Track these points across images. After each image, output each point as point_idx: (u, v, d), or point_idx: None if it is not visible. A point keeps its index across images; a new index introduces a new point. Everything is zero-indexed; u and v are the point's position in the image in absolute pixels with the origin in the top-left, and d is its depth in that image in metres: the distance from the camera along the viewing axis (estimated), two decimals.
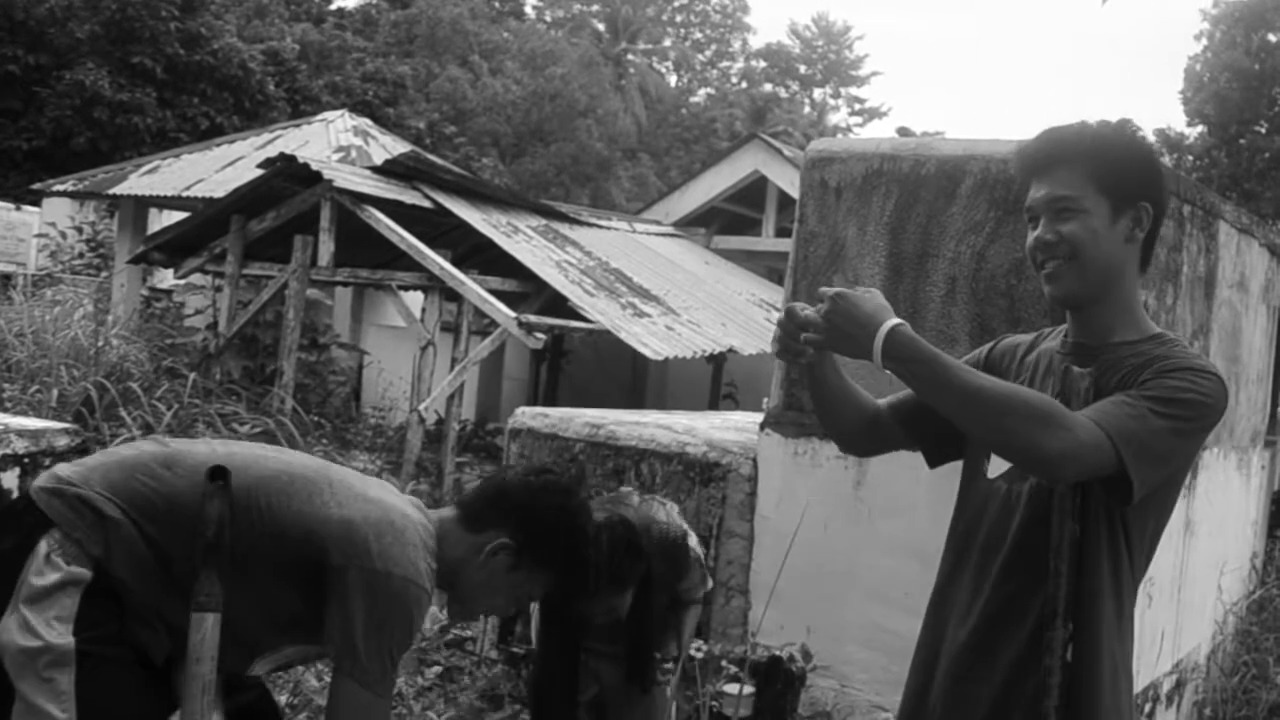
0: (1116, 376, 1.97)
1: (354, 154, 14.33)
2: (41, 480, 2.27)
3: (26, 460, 5.12)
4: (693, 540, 3.22)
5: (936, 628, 2.17)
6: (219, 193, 12.43)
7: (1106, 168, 1.99)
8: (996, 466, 2.09)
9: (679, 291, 12.07)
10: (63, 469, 2.32)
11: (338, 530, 2.25)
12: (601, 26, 45.45)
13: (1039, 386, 2.07)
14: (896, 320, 1.87)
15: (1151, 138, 28.72)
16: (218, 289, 11.60)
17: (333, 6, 36.30)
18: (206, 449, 2.38)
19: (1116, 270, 2.01)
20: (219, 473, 2.25)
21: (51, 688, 2.12)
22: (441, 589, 2.46)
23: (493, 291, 9.93)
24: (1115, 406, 1.90)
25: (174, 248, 11.49)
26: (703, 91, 51.04)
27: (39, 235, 18.05)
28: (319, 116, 17.24)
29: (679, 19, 52.06)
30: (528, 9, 45.22)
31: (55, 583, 2.16)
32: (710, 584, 3.40)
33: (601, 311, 10.03)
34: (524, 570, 2.39)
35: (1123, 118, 2.06)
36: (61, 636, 2.14)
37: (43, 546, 2.18)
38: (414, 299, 12.06)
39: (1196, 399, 1.91)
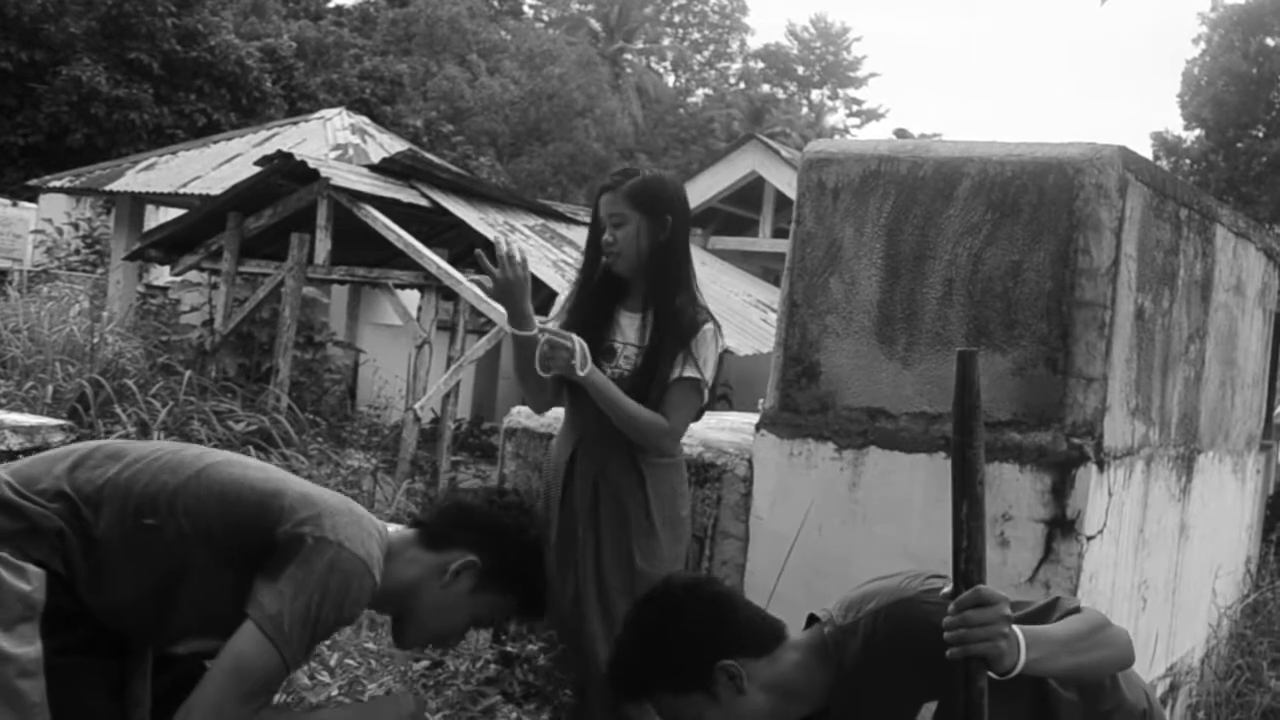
0: None
1: (351, 152, 14.31)
2: None
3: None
4: None
5: None
6: (216, 190, 12.40)
7: None
8: None
9: None
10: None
11: (290, 511, 2.17)
12: (598, 26, 45.43)
13: None
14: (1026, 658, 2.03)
15: (1149, 141, 28.89)
16: (214, 286, 11.58)
17: (330, 4, 36.25)
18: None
19: None
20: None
21: (20, 700, 2.00)
22: (383, 611, 2.36)
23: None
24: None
25: (170, 245, 11.47)
26: (700, 92, 51.05)
27: (35, 231, 18.02)
28: (316, 114, 17.21)
29: (677, 19, 52.07)
30: (525, 8, 45.23)
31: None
32: None
33: None
34: (484, 593, 2.33)
35: None
36: (26, 644, 2.02)
37: None
38: (410, 297, 12.06)
39: None
